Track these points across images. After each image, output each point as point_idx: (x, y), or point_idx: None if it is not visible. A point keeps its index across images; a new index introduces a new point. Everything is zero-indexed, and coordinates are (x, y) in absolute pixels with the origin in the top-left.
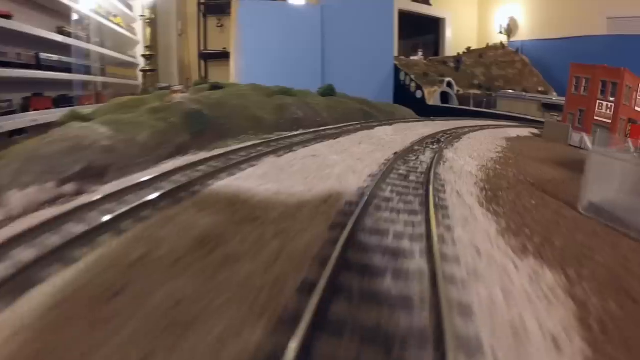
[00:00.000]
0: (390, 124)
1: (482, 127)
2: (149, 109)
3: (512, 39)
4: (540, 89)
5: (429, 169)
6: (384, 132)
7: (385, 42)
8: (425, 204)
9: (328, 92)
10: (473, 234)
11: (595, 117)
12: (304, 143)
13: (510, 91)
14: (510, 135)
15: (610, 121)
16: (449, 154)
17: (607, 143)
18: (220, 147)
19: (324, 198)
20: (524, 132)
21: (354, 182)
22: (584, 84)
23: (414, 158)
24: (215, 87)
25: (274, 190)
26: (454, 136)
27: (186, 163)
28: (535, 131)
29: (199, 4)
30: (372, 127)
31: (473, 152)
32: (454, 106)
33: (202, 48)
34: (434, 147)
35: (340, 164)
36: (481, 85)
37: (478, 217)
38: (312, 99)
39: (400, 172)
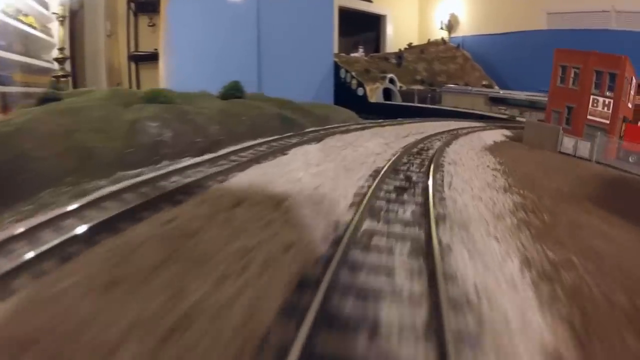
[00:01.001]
0: (319, 139)
1: (450, 133)
2: None
3: (453, 35)
4: (484, 82)
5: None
6: (302, 161)
7: (324, 38)
8: None
9: (232, 92)
10: None
11: (589, 117)
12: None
13: (455, 85)
14: (486, 143)
15: (608, 121)
16: (443, 228)
17: (608, 150)
18: None
19: None
20: (497, 135)
21: None
22: (572, 74)
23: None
24: (48, 99)
25: None
26: (423, 157)
27: None
28: (508, 133)
29: (129, 1)
30: (284, 151)
31: (471, 201)
32: (398, 103)
33: (132, 49)
34: (404, 199)
35: None
36: (424, 81)
37: None
38: (201, 104)
39: None
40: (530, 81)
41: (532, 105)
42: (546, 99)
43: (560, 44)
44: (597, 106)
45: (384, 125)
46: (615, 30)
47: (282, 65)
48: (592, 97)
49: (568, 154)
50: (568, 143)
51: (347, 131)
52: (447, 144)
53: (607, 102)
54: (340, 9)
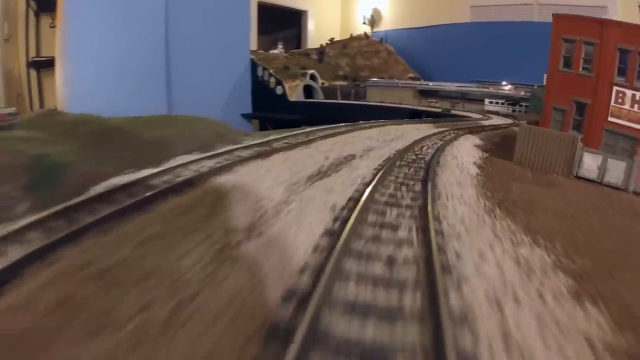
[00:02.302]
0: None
1: (404, 153)
2: None
3: (376, 30)
4: (411, 75)
5: None
6: None
7: (240, 34)
8: None
9: None
10: None
11: (611, 119)
12: None
13: (380, 79)
14: (465, 166)
15: None
16: None
17: None
18: None
19: None
20: (468, 148)
21: None
22: (583, 53)
23: None
24: None
25: None
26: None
27: None
28: (478, 141)
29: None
30: None
31: None
32: (320, 100)
33: (32, 54)
34: None
35: None
36: (346, 76)
37: None
38: None
39: None
40: (454, 73)
41: (464, 97)
42: (477, 90)
43: (483, 36)
44: (623, 102)
45: (268, 156)
46: (538, 22)
47: (194, 66)
48: (615, 88)
49: (589, 180)
50: (591, 163)
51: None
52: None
53: (639, 98)
54: (260, 5)
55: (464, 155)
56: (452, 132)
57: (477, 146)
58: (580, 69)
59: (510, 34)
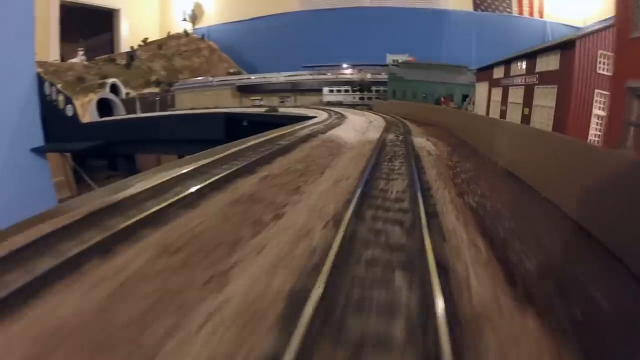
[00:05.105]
0: None
1: None
2: None
3: (197, 26)
4: (231, 70)
5: None
6: None
7: (21, 40)
8: None
9: None
10: None
11: None
12: None
13: (190, 80)
14: None
15: None
16: None
17: None
18: None
19: None
20: None
21: None
22: None
23: None
24: None
25: None
26: None
27: None
28: None
29: None
30: None
31: None
32: (114, 118)
33: None
34: None
35: None
36: (160, 82)
37: None
38: None
39: None
40: (287, 64)
41: (296, 89)
42: (312, 78)
43: (315, 24)
44: None
45: None
46: (369, 7)
47: None
48: None
49: None
50: None
51: None
52: None
53: None
54: (64, 6)
55: None
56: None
57: None
58: None
59: (343, 20)
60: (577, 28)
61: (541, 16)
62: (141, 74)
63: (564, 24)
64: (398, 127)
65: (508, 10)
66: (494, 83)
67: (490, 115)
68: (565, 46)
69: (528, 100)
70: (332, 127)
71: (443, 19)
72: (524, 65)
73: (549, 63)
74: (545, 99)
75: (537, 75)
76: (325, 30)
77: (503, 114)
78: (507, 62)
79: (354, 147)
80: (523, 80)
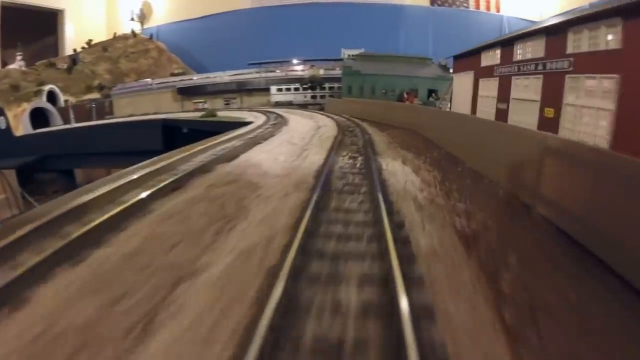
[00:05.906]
0: None
1: None
2: None
3: (146, 26)
4: (176, 71)
5: None
6: None
7: None
8: None
9: None
10: None
11: None
12: None
13: (129, 83)
14: None
15: None
16: None
17: None
18: None
19: None
20: None
21: None
22: None
23: None
24: None
25: None
26: None
27: None
28: None
29: None
30: None
31: None
32: (47, 130)
33: None
34: None
35: None
36: (103, 86)
37: None
38: None
39: None
40: (238, 64)
41: (242, 89)
42: (260, 77)
43: (266, 21)
44: None
45: None
46: (324, 3)
47: None
48: None
49: None
50: None
51: None
52: None
53: None
54: (2, 7)
55: None
56: None
57: None
58: None
59: (296, 17)
60: (534, 22)
61: (498, 11)
62: (83, 78)
63: (521, 19)
64: (355, 137)
65: (465, 5)
66: (483, 72)
67: (478, 115)
68: (634, 11)
69: (551, 96)
70: (258, 141)
71: (400, 14)
72: (542, 45)
73: (599, 39)
74: (592, 95)
75: (571, 59)
76: (277, 28)
77: (502, 114)
78: (508, 43)
79: (270, 195)
80: (541, 67)
